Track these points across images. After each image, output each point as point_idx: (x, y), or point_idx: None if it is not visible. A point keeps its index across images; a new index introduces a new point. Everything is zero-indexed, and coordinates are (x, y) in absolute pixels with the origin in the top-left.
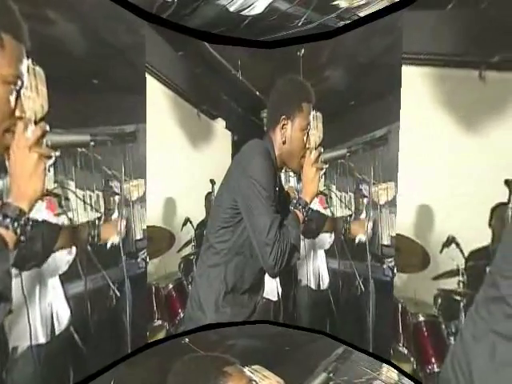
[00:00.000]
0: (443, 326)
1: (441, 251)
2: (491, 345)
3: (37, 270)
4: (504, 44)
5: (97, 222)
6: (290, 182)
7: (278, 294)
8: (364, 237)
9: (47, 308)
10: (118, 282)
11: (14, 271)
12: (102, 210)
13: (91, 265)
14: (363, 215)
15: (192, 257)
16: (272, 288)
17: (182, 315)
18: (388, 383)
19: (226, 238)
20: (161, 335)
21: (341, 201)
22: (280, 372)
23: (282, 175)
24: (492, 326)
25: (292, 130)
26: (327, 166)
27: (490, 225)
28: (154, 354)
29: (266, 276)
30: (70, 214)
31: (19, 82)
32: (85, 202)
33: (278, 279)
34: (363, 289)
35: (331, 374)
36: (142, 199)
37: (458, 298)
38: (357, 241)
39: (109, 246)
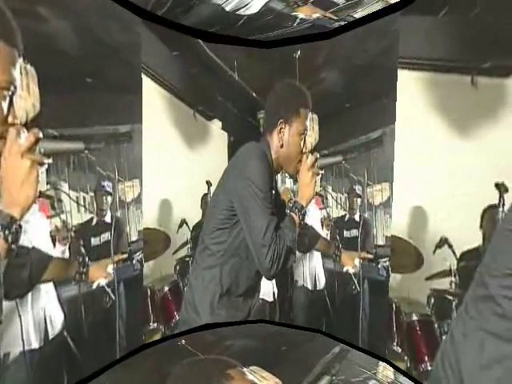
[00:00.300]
0: (436, 325)
1: (434, 252)
2: (480, 343)
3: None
4: (495, 51)
5: (86, 260)
6: (285, 183)
7: (274, 294)
8: (353, 270)
9: (40, 312)
10: (112, 285)
11: None
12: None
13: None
14: (357, 216)
15: (188, 259)
16: (268, 289)
17: (177, 318)
18: (384, 382)
19: (222, 239)
20: (156, 338)
21: (336, 202)
22: (278, 372)
23: (278, 176)
24: (481, 324)
25: (289, 135)
26: (323, 171)
27: (481, 226)
28: (150, 356)
29: (263, 278)
30: (63, 216)
31: (12, 88)
32: (78, 204)
33: (273, 280)
34: (358, 288)
35: (331, 376)
36: (137, 200)
37: (450, 297)
38: (344, 270)
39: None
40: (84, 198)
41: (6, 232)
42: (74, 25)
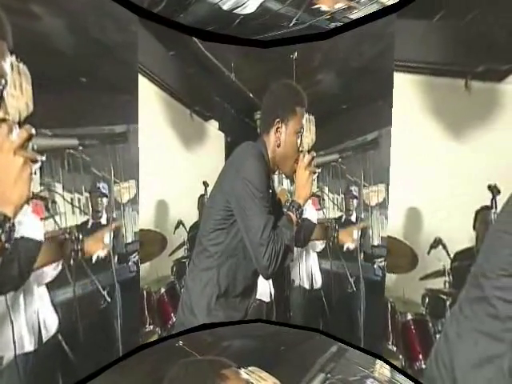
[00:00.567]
0: (430, 325)
1: (428, 252)
2: (474, 342)
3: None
4: (488, 56)
5: (80, 236)
6: (283, 184)
7: (271, 294)
8: (352, 244)
9: (33, 316)
10: (108, 287)
11: None
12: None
13: (80, 270)
14: (353, 217)
15: (185, 260)
16: (265, 289)
17: (174, 320)
18: (381, 380)
19: (220, 240)
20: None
21: (333, 202)
22: (276, 372)
23: (276, 177)
24: (475, 324)
25: (286, 134)
26: (320, 170)
27: (474, 227)
28: (148, 358)
29: (259, 277)
30: (57, 218)
31: (2, 81)
32: (73, 205)
33: (270, 280)
34: (355, 288)
35: (329, 375)
36: (133, 201)
37: (444, 297)
38: (345, 248)
39: (94, 259)
40: (79, 200)
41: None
42: (68, 23)
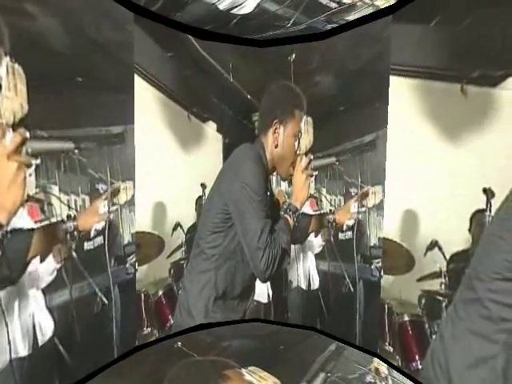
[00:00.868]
0: (426, 325)
1: (425, 254)
2: (468, 343)
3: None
4: (483, 61)
5: (71, 213)
6: (280, 185)
7: (269, 296)
8: (351, 221)
9: (28, 319)
10: (105, 289)
11: None
12: None
13: (77, 272)
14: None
15: (182, 262)
16: (262, 290)
17: (172, 322)
18: (379, 377)
19: (218, 243)
20: None
21: (330, 204)
22: (276, 372)
23: (273, 178)
24: (469, 325)
25: (284, 136)
26: (317, 173)
27: (469, 230)
28: (146, 359)
29: (257, 279)
30: (53, 220)
31: None
32: (70, 207)
33: (268, 282)
34: (352, 289)
35: (329, 374)
36: (130, 203)
37: (440, 298)
38: (345, 228)
39: (93, 235)
40: (75, 201)
41: None
42: (64, 22)
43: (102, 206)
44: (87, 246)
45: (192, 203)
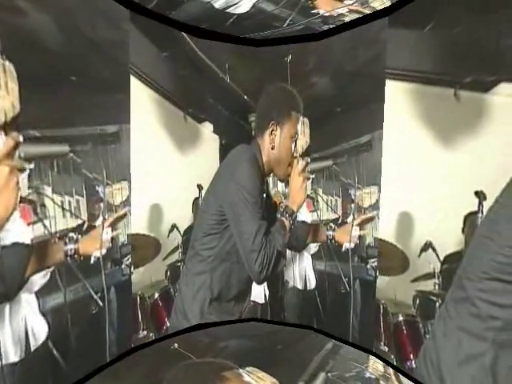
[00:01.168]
0: (421, 325)
1: (419, 255)
2: (458, 341)
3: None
4: (475, 66)
5: (74, 236)
6: (277, 186)
7: (265, 296)
8: (352, 244)
9: (20, 324)
10: (100, 291)
11: None
12: (84, 216)
13: (71, 274)
14: (350, 218)
15: (179, 264)
16: (259, 291)
17: (168, 325)
18: (375, 375)
19: (213, 244)
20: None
21: (327, 204)
22: (274, 372)
23: (270, 180)
24: (459, 323)
25: (281, 137)
26: (314, 176)
27: (463, 231)
28: (142, 362)
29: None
30: (46, 222)
31: None
32: (63, 209)
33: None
34: (348, 289)
35: (329, 374)
36: (125, 203)
37: (434, 298)
38: (343, 249)
39: (92, 261)
40: (69, 203)
41: None
42: (57, 20)
43: (105, 233)
44: None
45: (188, 204)
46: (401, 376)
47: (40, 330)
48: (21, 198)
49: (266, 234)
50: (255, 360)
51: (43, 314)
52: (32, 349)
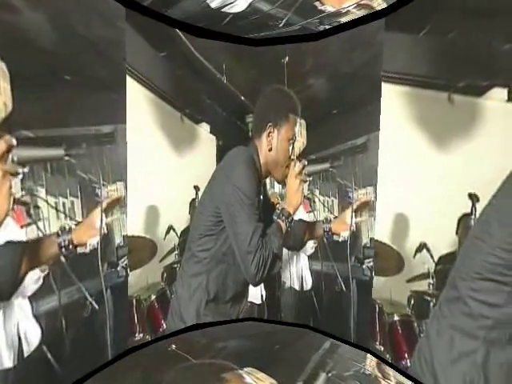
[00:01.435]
0: (415, 325)
1: (414, 256)
2: (450, 339)
3: None
4: (469, 71)
5: (66, 226)
6: (274, 188)
7: (262, 297)
8: (346, 233)
9: (13, 329)
10: (95, 294)
11: None
12: (79, 217)
13: (65, 277)
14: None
15: (176, 265)
16: (256, 292)
17: (165, 327)
18: (373, 373)
19: (209, 246)
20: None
21: (324, 205)
22: (272, 372)
23: (267, 181)
24: (451, 322)
25: (278, 139)
26: (311, 178)
27: (457, 233)
28: (140, 363)
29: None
30: (40, 224)
31: None
32: (57, 210)
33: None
34: (344, 289)
35: (329, 374)
36: (121, 204)
37: (428, 298)
38: (341, 239)
39: (88, 250)
40: (64, 204)
41: None
42: (51, 18)
43: (98, 219)
44: (80, 249)
45: (185, 206)
46: (398, 374)
47: (33, 335)
48: (14, 199)
49: (262, 236)
50: (253, 360)
51: (37, 317)
52: (25, 354)
